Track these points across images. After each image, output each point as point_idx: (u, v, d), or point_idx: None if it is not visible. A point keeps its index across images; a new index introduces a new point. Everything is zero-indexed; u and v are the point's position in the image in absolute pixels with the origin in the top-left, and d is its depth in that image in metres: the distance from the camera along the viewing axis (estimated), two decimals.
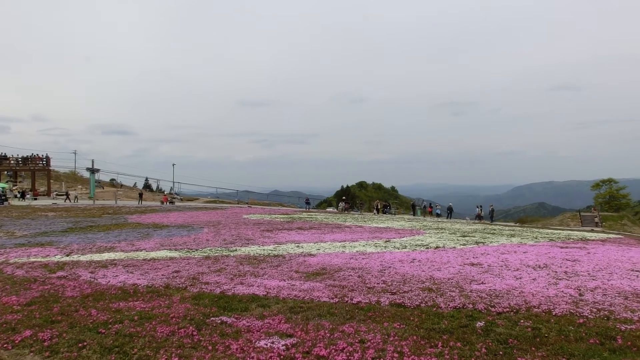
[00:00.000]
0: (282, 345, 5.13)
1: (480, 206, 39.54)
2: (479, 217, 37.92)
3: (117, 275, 9.42)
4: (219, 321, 6.09)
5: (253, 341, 5.29)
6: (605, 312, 6.56)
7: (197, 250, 13.51)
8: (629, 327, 5.85)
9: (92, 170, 49.52)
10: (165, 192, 59.54)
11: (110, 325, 5.85)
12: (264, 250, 13.69)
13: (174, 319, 6.13)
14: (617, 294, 7.81)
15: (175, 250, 13.48)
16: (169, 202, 44.64)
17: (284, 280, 8.99)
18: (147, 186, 72.96)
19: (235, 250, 13.65)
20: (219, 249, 13.87)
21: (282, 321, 6.09)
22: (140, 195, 45.60)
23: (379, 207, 44.42)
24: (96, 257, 12.02)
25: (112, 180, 66.21)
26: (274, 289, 8.16)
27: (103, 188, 54.71)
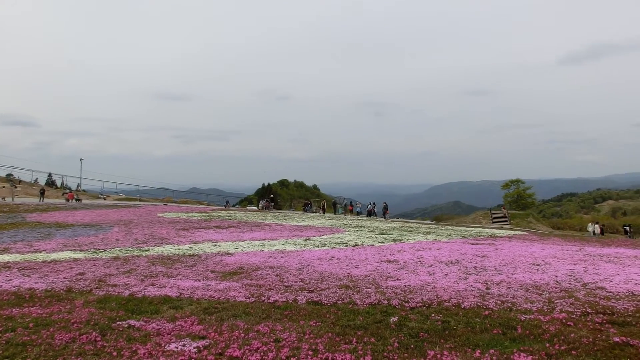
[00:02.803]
0: (194, 348, 4.90)
1: (373, 203, 41.34)
2: (370, 214, 39.46)
3: (10, 279, 8.58)
4: (126, 325, 5.71)
5: (162, 345, 5.01)
6: (508, 304, 6.98)
7: (105, 250, 12.68)
8: (528, 317, 6.26)
9: None
10: (72, 189, 55.57)
11: (0, 334, 5.27)
12: (179, 249, 13.16)
13: (75, 325, 5.66)
14: (519, 287, 8.35)
15: (81, 251, 12.56)
16: (76, 200, 41.69)
17: (199, 281, 8.67)
18: (51, 182, 67.67)
19: (148, 250, 12.99)
20: (129, 249, 13.12)
21: (195, 323, 5.84)
22: (42, 192, 42.02)
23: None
24: None
25: (9, 175, 60.53)
26: (187, 289, 7.83)
27: (16, 187, 48.85)
